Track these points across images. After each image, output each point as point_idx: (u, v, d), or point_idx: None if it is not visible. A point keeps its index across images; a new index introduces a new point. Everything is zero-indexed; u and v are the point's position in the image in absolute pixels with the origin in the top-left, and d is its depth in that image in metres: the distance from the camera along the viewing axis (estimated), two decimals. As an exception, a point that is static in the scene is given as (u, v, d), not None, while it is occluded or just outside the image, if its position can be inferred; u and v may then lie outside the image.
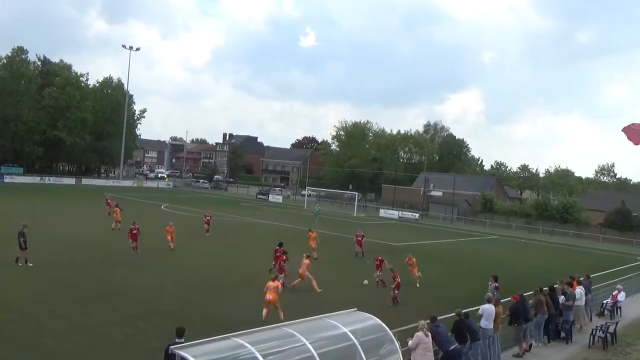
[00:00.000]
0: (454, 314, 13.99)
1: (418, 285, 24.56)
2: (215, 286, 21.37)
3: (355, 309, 12.68)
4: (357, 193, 76.19)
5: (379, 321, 11.80)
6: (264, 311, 16.60)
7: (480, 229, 64.14)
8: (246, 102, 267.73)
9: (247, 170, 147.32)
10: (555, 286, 18.99)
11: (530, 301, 17.09)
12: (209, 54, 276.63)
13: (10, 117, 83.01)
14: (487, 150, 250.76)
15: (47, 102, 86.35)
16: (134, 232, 26.75)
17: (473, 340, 13.53)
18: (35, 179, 79.67)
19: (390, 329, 11.75)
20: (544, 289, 17.97)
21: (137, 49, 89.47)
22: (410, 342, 11.95)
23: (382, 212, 72.20)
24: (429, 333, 12.06)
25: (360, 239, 32.53)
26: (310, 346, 9.85)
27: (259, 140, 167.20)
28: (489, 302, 14.94)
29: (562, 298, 18.37)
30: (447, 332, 12.88)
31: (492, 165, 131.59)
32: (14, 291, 18.45)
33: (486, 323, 14.46)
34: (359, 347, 10.60)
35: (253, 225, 46.14)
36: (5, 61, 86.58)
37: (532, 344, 16.53)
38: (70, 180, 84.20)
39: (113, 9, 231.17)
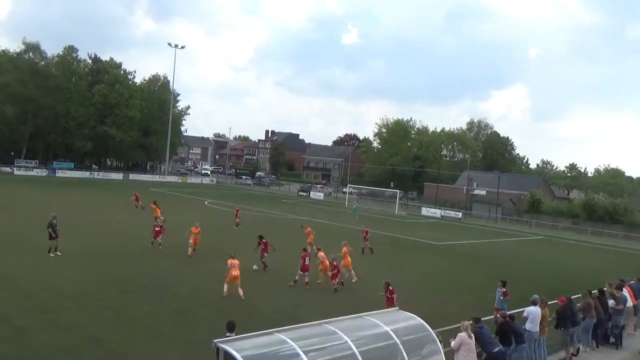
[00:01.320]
0: (498, 315, 13.75)
1: (354, 280, 22.66)
2: (258, 281, 21.57)
3: (397, 307, 12.62)
4: (398, 191, 75.64)
5: (421, 321, 11.69)
6: (225, 286, 18.58)
7: (526, 229, 62.70)
8: (288, 100, 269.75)
9: (289, 167, 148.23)
10: (604, 289, 18.40)
11: (578, 304, 16.63)
12: (252, 51, 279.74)
13: (61, 113, 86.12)
14: (532, 149, 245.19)
15: (96, 99, 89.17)
16: (157, 229, 26.96)
17: (518, 343, 13.27)
18: (85, 174, 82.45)
19: (432, 329, 11.65)
20: (593, 292, 17.44)
21: (182, 47, 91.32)
22: (452, 343, 11.80)
23: (424, 211, 71.47)
24: (472, 334, 11.88)
25: (365, 235, 32.14)
26: (351, 344, 9.85)
27: (300, 137, 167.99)
28: (534, 304, 14.60)
29: (611, 302, 17.78)
30: (491, 334, 12.66)
31: (538, 164, 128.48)
32: (70, 281, 19.18)
33: (531, 326, 14.14)
34: (400, 346, 10.53)
35: (294, 222, 46.35)
36: (57, 59, 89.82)
37: (579, 348, 16.08)
38: (118, 175, 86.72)
39: (159, 8, 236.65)
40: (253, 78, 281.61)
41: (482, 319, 12.97)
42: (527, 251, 41.98)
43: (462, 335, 11.73)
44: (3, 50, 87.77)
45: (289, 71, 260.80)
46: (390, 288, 16.94)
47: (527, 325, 14.14)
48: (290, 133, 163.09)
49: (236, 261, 18.92)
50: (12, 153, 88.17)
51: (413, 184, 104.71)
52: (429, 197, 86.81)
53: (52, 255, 22.76)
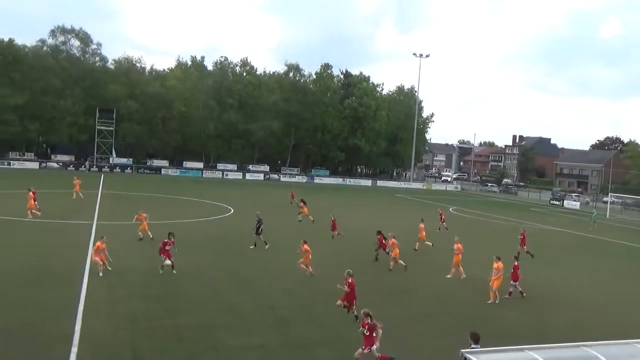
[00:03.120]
0: None
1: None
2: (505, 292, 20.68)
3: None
4: (676, 201, 64.78)
5: None
6: (303, 267, 20.66)
7: None
8: (538, 102, 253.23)
9: (539, 173, 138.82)
10: None
11: None
12: (498, 54, 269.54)
13: (318, 126, 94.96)
14: None
15: (347, 113, 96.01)
16: (333, 219, 30.69)
17: None
18: (338, 180, 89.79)
19: None
20: None
21: (427, 56, 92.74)
22: None
23: None
24: None
25: (522, 237, 29.55)
26: (617, 373, 8.85)
27: (552, 141, 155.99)
28: None
29: None
30: None
31: None
32: (326, 278, 20.66)
33: None
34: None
35: (543, 232, 43.18)
36: (314, 77, 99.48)
37: None
38: (367, 182, 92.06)
39: (404, 21, 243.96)
40: (500, 81, 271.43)
41: None
42: None
43: None
44: (273, 72, 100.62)
45: (539, 71, 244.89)
46: (370, 322, 12.42)
47: None
48: (541, 137, 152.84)
49: (306, 246, 20.81)
50: (279, 162, 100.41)
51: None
52: None
53: (251, 247, 25.52)
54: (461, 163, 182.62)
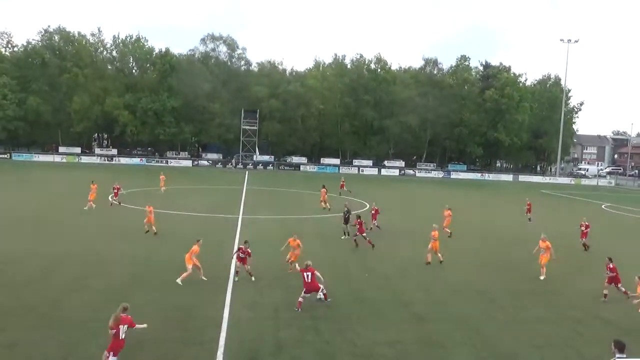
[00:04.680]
0: None
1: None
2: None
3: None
4: None
5: None
6: (290, 264, 19.31)
7: None
8: None
9: None
10: None
11: None
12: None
13: (455, 121, 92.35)
14: None
15: (487, 106, 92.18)
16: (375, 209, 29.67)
17: None
18: (477, 175, 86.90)
19: None
20: None
21: (576, 41, 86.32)
22: None
23: None
24: None
25: (585, 229, 27.27)
26: None
27: None
28: None
29: None
30: None
31: None
32: (460, 277, 20.38)
33: None
34: None
35: None
36: (451, 70, 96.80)
37: None
38: (508, 177, 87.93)
39: (545, 5, 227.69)
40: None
41: None
42: None
43: None
44: (408, 67, 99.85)
45: None
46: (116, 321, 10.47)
47: None
48: None
49: (296, 241, 19.44)
50: (414, 157, 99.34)
51: None
52: None
53: (342, 238, 26.45)
54: (615, 156, 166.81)
